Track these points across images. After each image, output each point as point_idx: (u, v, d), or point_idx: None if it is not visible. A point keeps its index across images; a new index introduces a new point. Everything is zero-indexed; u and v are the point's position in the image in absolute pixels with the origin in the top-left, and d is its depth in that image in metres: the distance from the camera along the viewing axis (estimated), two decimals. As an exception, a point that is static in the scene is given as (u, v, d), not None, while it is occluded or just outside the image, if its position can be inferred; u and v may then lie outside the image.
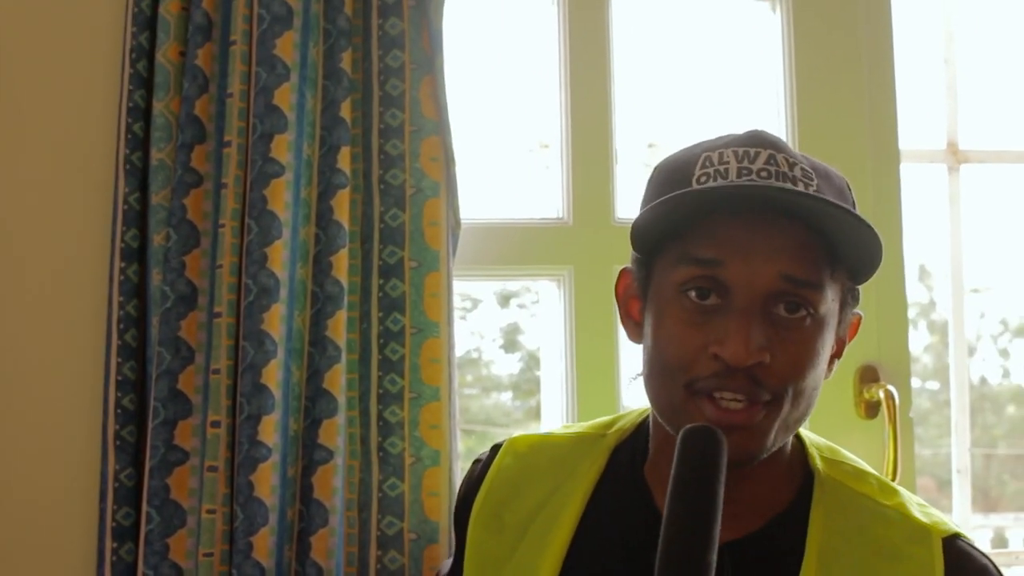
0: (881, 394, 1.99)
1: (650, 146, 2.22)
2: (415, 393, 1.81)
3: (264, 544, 1.69)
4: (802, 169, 1.17)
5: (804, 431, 1.30)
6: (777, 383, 1.14)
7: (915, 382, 2.38)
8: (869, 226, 1.13)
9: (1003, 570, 1.20)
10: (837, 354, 1.24)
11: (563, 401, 2.00)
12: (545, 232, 2.02)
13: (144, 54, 1.83)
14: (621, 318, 1.30)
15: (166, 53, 1.81)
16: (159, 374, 1.75)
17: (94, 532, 1.79)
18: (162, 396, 1.75)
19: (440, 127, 1.86)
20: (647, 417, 1.31)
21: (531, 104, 2.17)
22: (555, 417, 2.02)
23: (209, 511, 1.72)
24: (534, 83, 2.13)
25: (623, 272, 1.31)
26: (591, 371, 1.98)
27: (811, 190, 1.15)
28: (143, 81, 1.82)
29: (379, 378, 1.82)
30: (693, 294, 1.16)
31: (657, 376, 1.19)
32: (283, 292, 1.74)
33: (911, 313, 2.28)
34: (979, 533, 8.51)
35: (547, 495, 1.30)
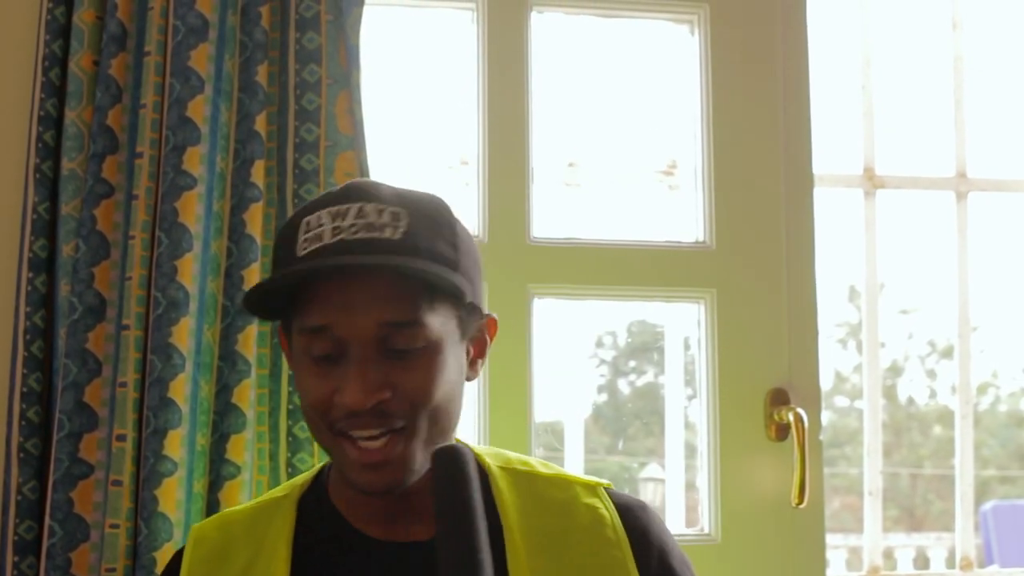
0: (791, 417, 2.01)
1: (570, 165, 2.22)
2: (325, 409, 1.81)
3: (166, 560, 1.68)
4: (391, 213, 1.28)
5: (463, 442, 1.39)
6: (407, 409, 1.27)
7: (844, 401, 2.42)
8: (442, 273, 1.27)
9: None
10: (478, 355, 1.38)
11: (477, 424, 2.01)
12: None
13: (57, 62, 1.81)
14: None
15: (79, 62, 1.80)
16: (65, 386, 1.73)
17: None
18: (68, 408, 1.73)
19: (355, 142, 1.86)
20: (324, 465, 1.45)
21: (451, 121, 2.18)
22: (470, 426, 2.03)
23: (113, 526, 1.70)
24: (454, 100, 2.13)
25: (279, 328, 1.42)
26: (501, 394, 1.98)
27: (399, 231, 1.27)
28: (55, 90, 1.81)
29: (289, 393, 1.81)
30: (316, 355, 1.28)
31: (308, 421, 1.34)
32: (193, 305, 1.73)
33: (840, 333, 2.31)
34: (902, 552, 8.63)
35: (247, 565, 1.36)
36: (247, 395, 1.76)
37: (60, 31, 1.81)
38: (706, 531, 2.05)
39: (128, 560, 1.70)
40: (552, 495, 1.37)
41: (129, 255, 1.75)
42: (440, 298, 1.28)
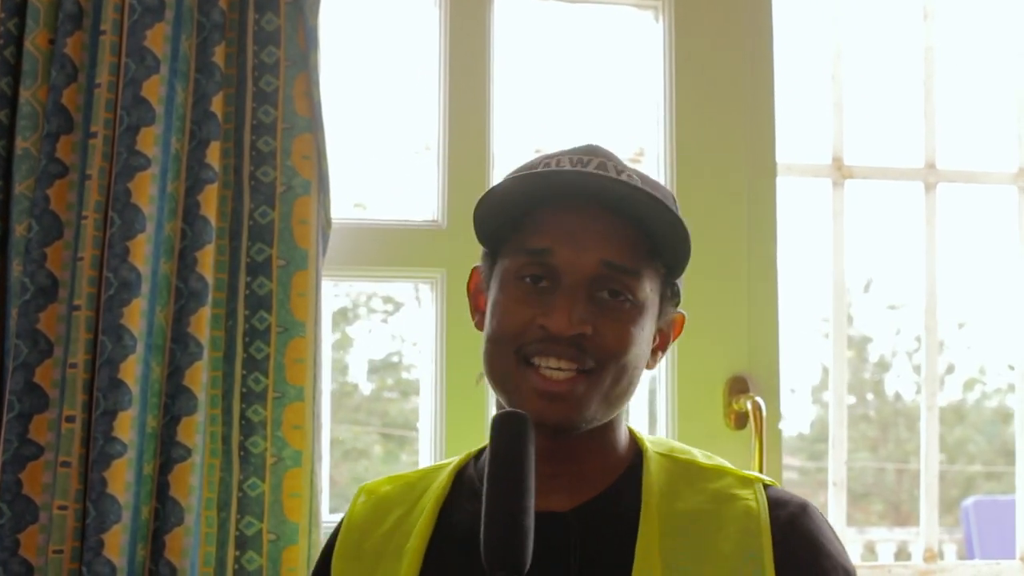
0: (749, 405, 2.00)
1: (536, 151, 2.22)
2: (279, 392, 1.80)
3: (116, 542, 1.67)
4: (628, 175, 1.30)
5: (635, 428, 1.42)
6: (601, 352, 1.27)
7: (830, 395, 2.40)
8: (680, 221, 1.28)
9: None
10: (660, 347, 1.38)
11: (434, 402, 2.00)
12: (419, 234, 2.02)
13: (12, 40, 1.80)
14: (471, 311, 1.43)
15: (35, 40, 1.79)
16: (16, 367, 1.72)
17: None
18: (18, 389, 1.72)
19: (313, 124, 1.85)
20: None
21: (415, 106, 2.17)
22: (428, 416, 2.02)
23: (61, 507, 1.70)
24: (416, 85, 2.12)
25: (474, 270, 1.43)
26: (462, 372, 1.98)
27: (641, 186, 1.28)
28: (10, 68, 1.80)
29: (243, 376, 1.81)
30: (527, 279, 1.29)
31: (491, 347, 1.32)
32: (145, 287, 1.72)
33: (827, 328, 2.30)
34: (884, 546, 8.63)
35: (400, 518, 1.39)
36: (199, 377, 1.75)
37: (16, 9, 1.80)
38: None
39: (76, 542, 1.70)
40: (703, 484, 1.35)
41: (82, 235, 1.74)
42: (657, 263, 1.31)
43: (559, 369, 1.26)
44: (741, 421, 2.05)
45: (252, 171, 1.84)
